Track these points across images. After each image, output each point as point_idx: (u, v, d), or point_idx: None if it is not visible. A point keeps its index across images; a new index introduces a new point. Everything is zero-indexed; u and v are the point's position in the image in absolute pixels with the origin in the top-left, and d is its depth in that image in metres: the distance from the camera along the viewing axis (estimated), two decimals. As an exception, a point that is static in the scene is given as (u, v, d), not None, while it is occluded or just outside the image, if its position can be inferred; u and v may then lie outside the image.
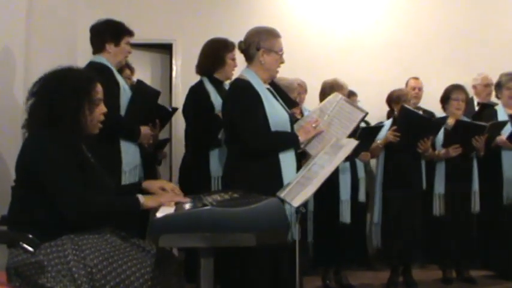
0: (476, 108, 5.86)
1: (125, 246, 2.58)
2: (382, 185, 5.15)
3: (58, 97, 2.59)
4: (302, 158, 3.60)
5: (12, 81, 4.19)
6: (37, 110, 2.63)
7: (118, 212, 2.67)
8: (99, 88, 2.73)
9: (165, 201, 2.66)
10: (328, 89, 4.92)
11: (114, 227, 2.69)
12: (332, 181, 4.72)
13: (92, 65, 4.03)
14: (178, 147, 6.05)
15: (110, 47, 4.07)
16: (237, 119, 3.40)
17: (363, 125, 5.09)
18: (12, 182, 2.66)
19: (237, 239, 2.36)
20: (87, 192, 2.52)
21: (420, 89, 6.29)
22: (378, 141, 5.04)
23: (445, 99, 5.20)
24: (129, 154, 4.03)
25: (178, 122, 5.93)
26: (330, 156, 3.02)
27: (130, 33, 4.18)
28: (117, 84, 4.02)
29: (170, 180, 6.25)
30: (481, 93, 6.01)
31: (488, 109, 5.44)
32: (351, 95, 5.46)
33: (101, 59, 4.06)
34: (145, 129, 4.14)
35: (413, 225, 5.00)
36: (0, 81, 4.15)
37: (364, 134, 4.65)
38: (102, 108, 2.75)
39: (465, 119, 5.14)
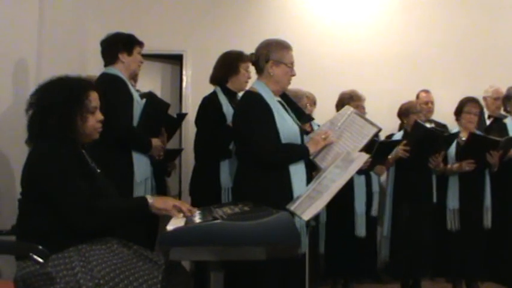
0: (488, 121, 5.82)
1: (132, 257, 2.57)
2: (393, 198, 5.14)
3: (50, 107, 2.60)
4: (312, 171, 3.59)
5: (25, 92, 4.20)
6: (33, 121, 2.64)
7: (126, 214, 2.66)
8: (93, 96, 2.72)
9: (174, 207, 2.66)
10: (346, 99, 4.94)
11: (121, 238, 2.67)
12: (345, 194, 4.72)
13: (105, 76, 4.06)
14: (188, 158, 6.05)
15: (123, 57, 4.10)
16: (248, 131, 3.40)
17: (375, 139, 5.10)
18: (19, 195, 2.66)
19: (247, 252, 2.35)
20: (89, 199, 2.51)
21: (432, 103, 6.25)
22: (389, 157, 5.03)
23: (459, 112, 5.18)
24: (141, 165, 4.04)
25: (188, 133, 5.94)
26: (340, 170, 3.01)
27: (141, 44, 4.22)
28: (130, 95, 4.05)
29: (179, 191, 6.26)
30: (490, 106, 5.98)
31: (497, 122, 5.40)
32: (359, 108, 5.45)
33: (114, 70, 4.08)
34: (156, 141, 4.16)
35: (423, 239, 4.98)
36: (12, 92, 4.18)
37: (381, 148, 4.65)
38: (98, 116, 2.74)
39: (478, 132, 5.11)
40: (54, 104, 2.60)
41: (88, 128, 2.70)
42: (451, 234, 4.99)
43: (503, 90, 5.84)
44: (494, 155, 4.86)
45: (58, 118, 2.59)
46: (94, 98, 2.72)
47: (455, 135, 4.96)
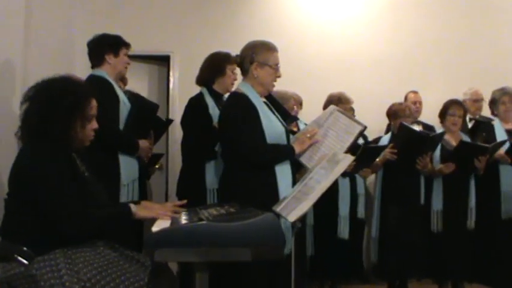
0: (469, 124, 5.85)
1: (118, 259, 2.55)
2: (380, 200, 5.16)
3: (52, 108, 2.59)
4: (297, 171, 3.59)
5: (11, 92, 4.19)
6: (29, 117, 2.62)
7: (111, 223, 2.66)
8: (93, 104, 2.72)
9: (158, 214, 2.66)
10: (335, 101, 4.95)
11: (108, 240, 2.67)
12: (331, 196, 4.74)
13: (92, 78, 4.06)
14: (175, 160, 6.05)
15: (110, 58, 4.11)
16: (234, 132, 3.41)
17: (362, 140, 5.12)
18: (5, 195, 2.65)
19: (232, 254, 2.35)
20: (81, 205, 2.51)
21: (420, 103, 6.30)
22: (377, 159, 5.05)
23: (443, 114, 5.21)
24: (128, 167, 4.05)
25: (175, 135, 5.93)
26: (326, 172, 3.01)
27: (127, 45, 4.23)
28: (116, 97, 4.05)
29: (166, 193, 6.25)
30: (470, 108, 6.00)
31: (484, 125, 5.43)
32: (348, 110, 5.46)
33: (101, 72, 4.09)
34: (143, 143, 4.17)
35: (411, 241, 5.00)
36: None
37: (366, 152, 4.66)
38: (93, 124, 2.75)
39: (466, 138, 5.13)
40: (59, 106, 2.59)
41: (84, 136, 2.70)
42: (438, 235, 5.02)
43: (482, 92, 5.89)
44: (482, 160, 4.89)
45: (60, 121, 2.58)
46: (94, 106, 2.73)
47: (441, 135, 4.98)
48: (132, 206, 2.67)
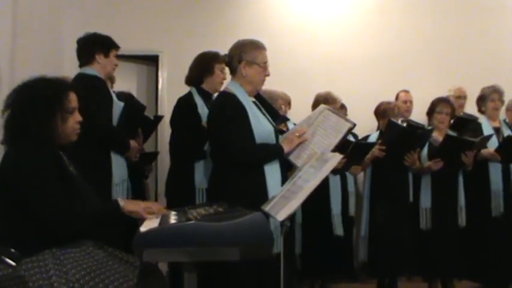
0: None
1: (107, 259, 2.55)
2: (370, 198, 5.17)
3: (29, 108, 2.58)
4: (287, 170, 3.60)
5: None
6: (11, 123, 2.61)
7: (100, 218, 2.64)
8: (72, 97, 2.70)
9: (145, 209, 2.66)
10: (322, 101, 4.95)
11: (97, 240, 2.66)
12: (321, 194, 4.74)
13: (83, 76, 4.05)
14: (164, 160, 6.04)
15: (100, 58, 4.11)
16: (223, 131, 3.41)
17: (352, 138, 5.13)
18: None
19: (221, 253, 2.35)
20: (68, 203, 2.50)
21: (411, 102, 6.33)
22: (366, 157, 5.06)
23: (431, 112, 5.23)
24: (119, 167, 4.06)
25: (165, 134, 5.93)
26: (315, 170, 3.01)
27: (117, 48, 4.24)
28: (110, 95, 4.05)
29: (156, 192, 6.24)
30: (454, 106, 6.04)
31: (472, 122, 5.45)
32: (340, 108, 5.48)
33: (92, 70, 4.09)
34: (133, 143, 4.17)
35: (400, 238, 5.00)
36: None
37: (356, 149, 4.67)
38: (76, 117, 2.72)
39: (452, 133, 5.15)
40: (35, 104, 2.58)
41: (67, 129, 2.68)
42: (427, 233, 5.03)
43: (471, 90, 5.92)
44: (469, 156, 4.91)
45: (39, 118, 2.57)
46: (73, 99, 2.70)
47: (430, 132, 5.00)
48: (120, 200, 2.67)
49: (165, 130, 5.70)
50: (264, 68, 3.56)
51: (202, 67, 4.46)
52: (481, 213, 5.14)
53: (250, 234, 2.35)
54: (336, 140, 3.51)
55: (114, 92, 4.36)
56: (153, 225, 2.45)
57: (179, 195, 4.29)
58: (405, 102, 6.26)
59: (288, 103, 5.53)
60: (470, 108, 5.92)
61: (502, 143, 5.11)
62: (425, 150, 5.07)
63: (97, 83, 3.99)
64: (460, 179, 5.10)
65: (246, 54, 3.51)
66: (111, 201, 2.72)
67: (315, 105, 5.05)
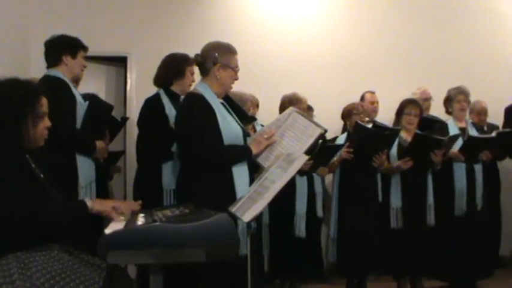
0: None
1: (73, 263, 2.51)
2: (338, 199, 5.20)
3: (2, 108, 2.54)
4: (255, 171, 3.60)
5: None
6: None
7: (66, 219, 2.61)
8: (43, 101, 2.67)
9: (113, 208, 2.64)
10: (287, 103, 4.99)
11: (63, 243, 2.63)
12: (288, 195, 4.75)
13: (47, 78, 4.01)
14: (132, 161, 6.00)
15: (67, 59, 4.08)
16: (190, 132, 3.40)
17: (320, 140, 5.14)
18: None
19: (186, 255, 2.34)
20: (34, 203, 2.47)
21: (377, 103, 6.37)
22: (334, 159, 5.09)
23: (399, 113, 5.28)
24: (85, 169, 4.02)
25: (133, 136, 5.89)
26: (281, 171, 3.03)
27: (85, 49, 4.21)
28: (73, 97, 4.01)
29: (124, 194, 6.20)
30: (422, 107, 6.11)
31: (438, 123, 5.52)
32: (307, 110, 5.50)
33: (57, 72, 4.05)
34: (100, 144, 4.14)
35: (369, 239, 5.04)
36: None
37: (324, 151, 4.69)
38: (46, 123, 2.69)
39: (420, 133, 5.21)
40: (7, 109, 2.54)
41: (36, 134, 2.64)
42: (396, 232, 5.07)
43: (437, 92, 5.99)
44: (438, 154, 4.97)
45: (10, 123, 2.53)
46: (45, 103, 2.67)
47: (397, 132, 5.04)
48: (87, 200, 2.65)
49: (133, 132, 5.66)
50: (235, 72, 3.59)
51: (173, 69, 4.45)
52: (447, 213, 5.20)
53: (215, 235, 2.35)
54: (306, 145, 3.53)
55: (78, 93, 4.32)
56: (118, 227, 2.44)
57: (147, 196, 4.23)
58: (372, 103, 6.31)
59: (256, 105, 5.54)
60: (437, 109, 5.99)
61: (464, 144, 5.19)
62: (394, 150, 5.12)
63: (59, 85, 3.94)
64: (429, 178, 5.17)
65: (222, 57, 3.53)
66: (78, 201, 2.69)
67: (282, 106, 5.07)
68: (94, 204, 2.63)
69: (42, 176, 2.72)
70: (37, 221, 2.46)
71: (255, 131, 4.81)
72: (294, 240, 5.00)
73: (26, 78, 2.78)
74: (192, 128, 3.40)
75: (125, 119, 5.34)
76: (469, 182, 5.24)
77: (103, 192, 4.31)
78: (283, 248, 5.03)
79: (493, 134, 5.33)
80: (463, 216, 5.19)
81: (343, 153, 4.99)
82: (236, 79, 3.63)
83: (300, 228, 4.98)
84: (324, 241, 5.68)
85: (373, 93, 6.41)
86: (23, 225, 2.43)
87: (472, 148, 5.19)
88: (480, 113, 6.19)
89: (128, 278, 2.80)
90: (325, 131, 3.65)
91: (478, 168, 5.31)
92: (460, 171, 5.24)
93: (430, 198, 5.13)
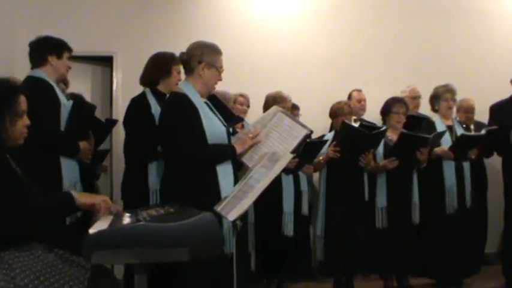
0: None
1: (57, 263, 2.50)
2: (325, 198, 5.21)
3: None
4: (239, 170, 3.60)
5: None
6: None
7: (51, 211, 2.58)
8: (22, 100, 2.65)
9: (102, 201, 2.63)
10: (271, 101, 4.98)
11: (47, 243, 2.62)
12: (274, 193, 4.75)
13: (30, 79, 3.99)
14: (119, 162, 5.99)
15: (53, 59, 4.06)
16: (174, 131, 3.39)
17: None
18: None
19: (170, 254, 2.34)
20: (17, 203, 2.45)
21: (364, 101, 6.39)
22: (320, 158, 5.10)
23: (386, 112, 5.30)
24: (69, 170, 4.00)
25: (119, 136, 5.88)
26: (266, 170, 3.02)
27: (70, 50, 4.18)
28: (57, 98, 3.99)
29: (111, 195, 6.18)
30: (408, 105, 6.13)
31: (425, 121, 5.55)
32: (293, 109, 5.50)
33: (41, 73, 4.02)
34: (84, 144, 4.13)
35: (356, 237, 5.06)
36: None
37: (308, 148, 4.70)
38: (25, 121, 2.67)
39: (406, 131, 5.22)
40: None
41: (15, 132, 2.62)
42: (382, 231, 5.09)
43: (422, 90, 6.02)
44: (423, 152, 4.99)
45: None
46: (23, 102, 2.65)
47: (384, 131, 5.06)
48: (73, 192, 2.63)
49: (120, 132, 5.65)
50: (219, 72, 3.59)
51: (160, 68, 4.44)
52: (435, 211, 5.23)
53: (199, 234, 2.34)
54: (291, 146, 3.53)
55: (65, 93, 4.30)
56: (102, 226, 2.43)
57: (134, 197, 4.25)
58: (359, 101, 6.33)
59: (248, 103, 5.54)
60: (423, 107, 6.01)
61: (455, 142, 5.21)
62: (381, 150, 5.14)
63: (43, 86, 3.93)
64: (415, 177, 5.19)
65: (207, 56, 3.53)
66: (64, 194, 2.66)
67: (266, 105, 5.07)
68: (81, 196, 2.60)
69: (23, 175, 2.71)
70: (20, 214, 2.44)
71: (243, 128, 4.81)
72: (280, 238, 5.00)
73: (4, 77, 2.77)
74: (175, 127, 3.39)
75: (112, 122, 5.31)
76: (458, 180, 5.26)
77: (90, 192, 4.29)
78: (269, 247, 5.02)
79: (483, 131, 5.36)
80: (454, 213, 5.20)
81: (329, 152, 5.00)
82: (220, 79, 3.62)
83: (288, 227, 4.98)
84: (311, 239, 5.69)
85: (360, 91, 6.43)
86: (6, 220, 2.41)
87: (462, 146, 5.22)
88: (468, 110, 6.22)
89: (114, 278, 2.79)
90: (311, 132, 3.66)
91: (467, 166, 5.34)
92: (449, 169, 5.26)
93: (416, 197, 5.16)
